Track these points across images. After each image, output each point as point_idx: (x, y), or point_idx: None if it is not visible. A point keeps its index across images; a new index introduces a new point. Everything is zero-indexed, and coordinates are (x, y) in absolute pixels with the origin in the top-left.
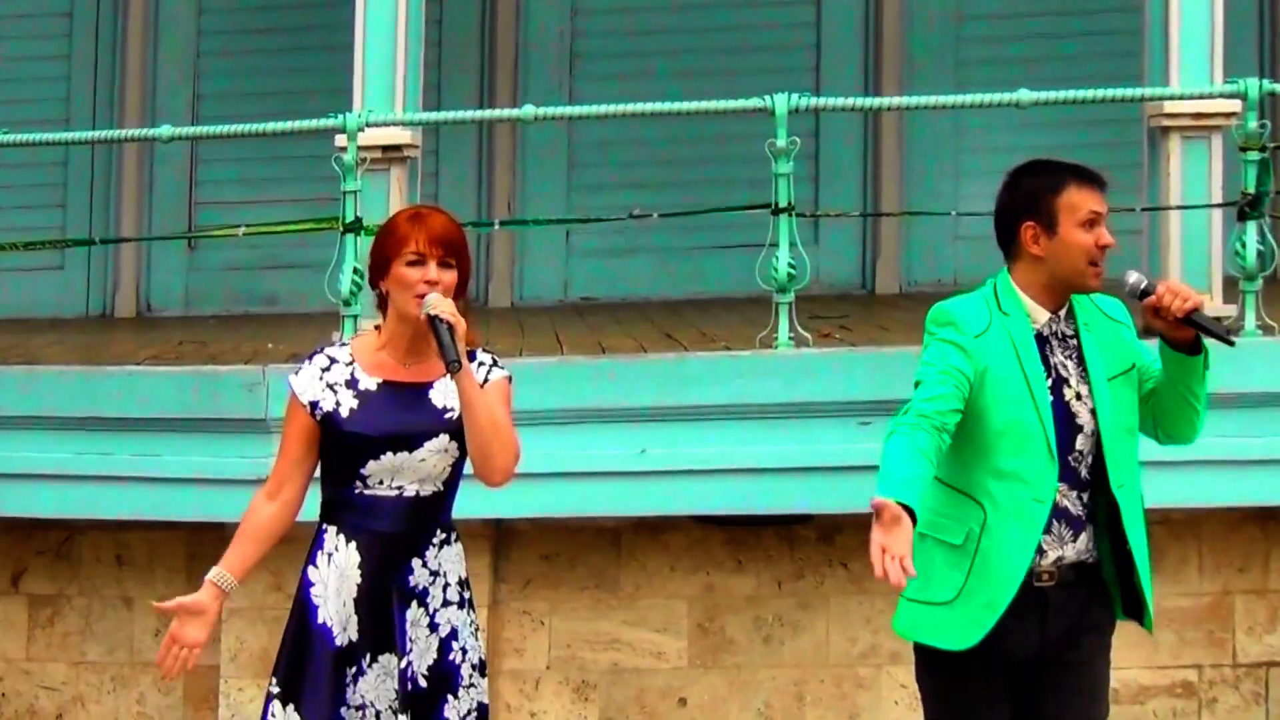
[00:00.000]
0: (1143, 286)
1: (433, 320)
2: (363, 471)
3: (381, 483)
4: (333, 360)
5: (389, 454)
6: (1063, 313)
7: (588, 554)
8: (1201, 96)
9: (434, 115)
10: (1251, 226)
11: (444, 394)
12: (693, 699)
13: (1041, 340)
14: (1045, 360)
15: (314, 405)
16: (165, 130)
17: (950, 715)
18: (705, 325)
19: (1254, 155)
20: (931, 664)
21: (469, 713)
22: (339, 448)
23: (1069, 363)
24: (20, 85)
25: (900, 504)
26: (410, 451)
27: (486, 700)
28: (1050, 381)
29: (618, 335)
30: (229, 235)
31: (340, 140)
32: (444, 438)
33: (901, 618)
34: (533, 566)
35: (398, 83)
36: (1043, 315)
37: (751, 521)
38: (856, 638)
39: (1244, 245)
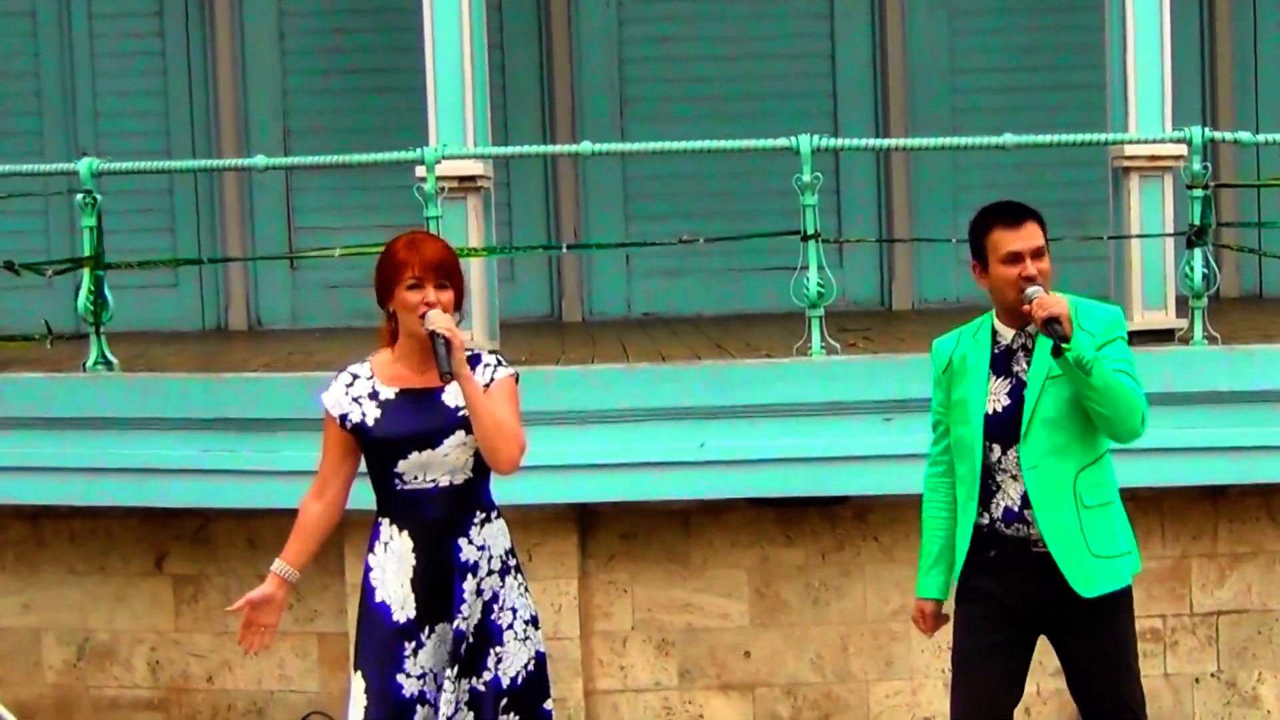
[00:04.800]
0: (1030, 299)
1: (432, 335)
2: (397, 470)
3: (417, 478)
4: (355, 376)
5: (415, 452)
6: (1031, 328)
7: (661, 532)
8: (1155, 141)
9: (501, 149)
10: (1198, 253)
11: (455, 395)
12: (755, 652)
13: (1010, 354)
14: (1008, 369)
15: (343, 418)
16: (260, 160)
17: (960, 650)
18: (749, 336)
19: (1199, 193)
20: (955, 610)
21: (529, 660)
22: (373, 452)
23: (1029, 366)
24: (120, 119)
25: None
26: (434, 449)
27: (543, 649)
28: (1010, 385)
29: (675, 345)
30: (326, 256)
31: (420, 171)
32: (460, 433)
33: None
34: (615, 544)
35: (468, 120)
36: (1009, 333)
37: (797, 503)
38: (889, 598)
39: (1192, 269)
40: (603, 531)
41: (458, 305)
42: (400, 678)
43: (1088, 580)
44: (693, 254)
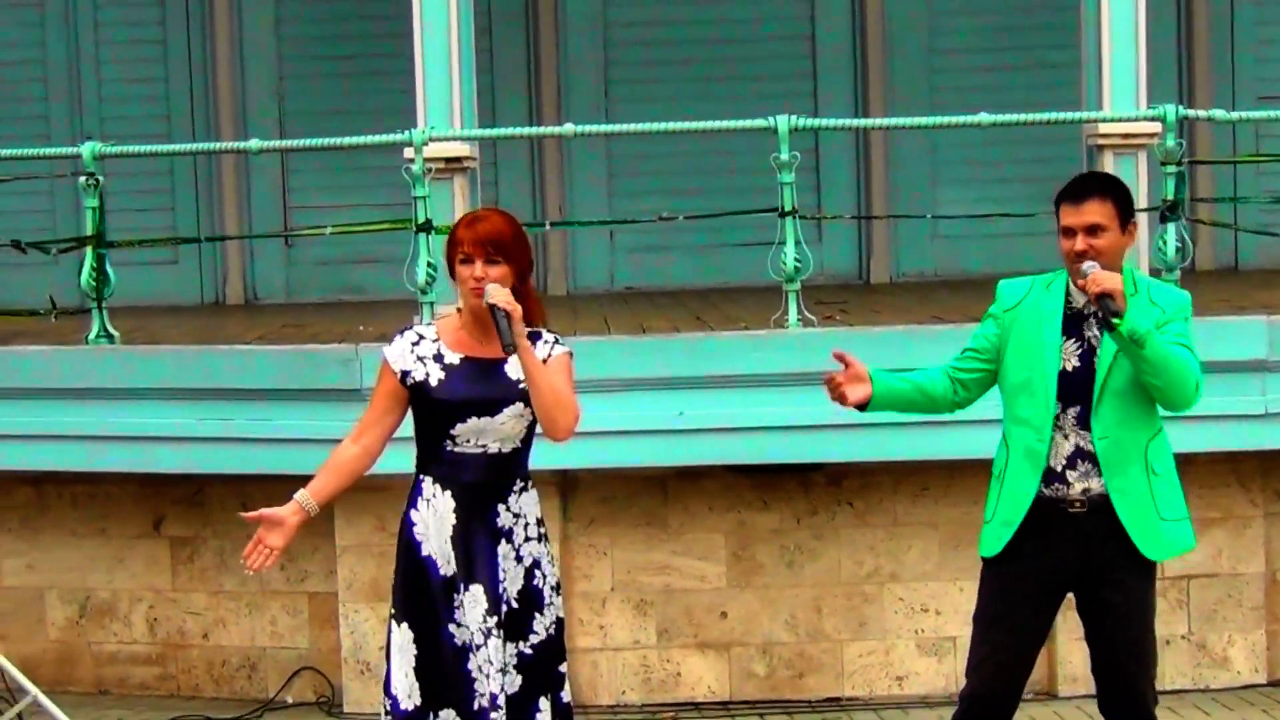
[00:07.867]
0: (1085, 274)
1: (492, 309)
2: (452, 433)
3: (469, 441)
4: (421, 337)
5: (474, 418)
6: (1082, 300)
7: (640, 498)
8: (1129, 119)
9: (487, 131)
10: (1171, 228)
11: (517, 368)
12: (732, 613)
13: (1083, 317)
14: (1080, 333)
15: (405, 374)
16: (255, 143)
17: (987, 607)
18: (728, 309)
19: (1172, 169)
20: (984, 569)
21: (551, 624)
22: (431, 412)
23: (1101, 335)
24: (123, 104)
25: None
26: (492, 416)
27: (562, 614)
28: (1081, 349)
29: (656, 318)
30: (318, 234)
31: (409, 153)
32: (519, 405)
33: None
34: (595, 508)
35: (455, 103)
36: (1082, 298)
37: (773, 469)
38: (862, 561)
39: (1165, 243)
40: (583, 496)
41: (522, 280)
42: (452, 627)
43: (1157, 544)
44: (674, 229)
